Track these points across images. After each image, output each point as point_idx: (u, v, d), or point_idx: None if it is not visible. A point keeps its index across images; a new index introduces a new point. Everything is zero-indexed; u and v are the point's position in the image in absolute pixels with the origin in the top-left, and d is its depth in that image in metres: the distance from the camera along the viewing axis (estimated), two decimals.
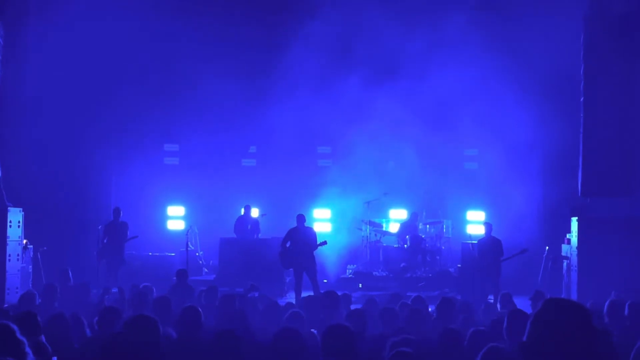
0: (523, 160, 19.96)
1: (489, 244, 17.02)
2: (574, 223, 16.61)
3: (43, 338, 6.71)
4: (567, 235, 17.22)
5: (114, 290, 13.25)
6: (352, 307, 11.00)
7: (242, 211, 20.27)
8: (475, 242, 17.70)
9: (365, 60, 20.02)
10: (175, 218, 22.60)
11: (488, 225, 17.54)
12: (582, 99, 17.11)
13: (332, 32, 19.48)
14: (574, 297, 16.08)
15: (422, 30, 19.20)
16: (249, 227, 20.00)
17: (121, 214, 17.94)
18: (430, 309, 11.02)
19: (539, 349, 3.05)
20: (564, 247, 17.48)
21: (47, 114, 19.69)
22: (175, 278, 13.64)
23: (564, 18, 17.47)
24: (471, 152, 22.22)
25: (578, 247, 16.29)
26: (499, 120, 19.55)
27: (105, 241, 17.71)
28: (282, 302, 11.98)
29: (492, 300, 14.79)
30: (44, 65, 19.24)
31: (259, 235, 19.99)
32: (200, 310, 7.19)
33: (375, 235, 20.80)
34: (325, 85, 19.76)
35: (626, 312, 9.36)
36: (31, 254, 17.36)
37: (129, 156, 21.53)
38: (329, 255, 19.41)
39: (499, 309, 11.84)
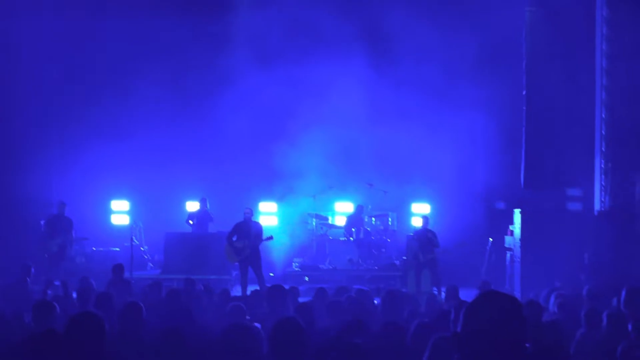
0: (467, 151, 20.15)
1: (425, 236, 17.31)
2: (517, 215, 16.82)
3: None
4: (510, 227, 17.44)
5: (57, 283, 13.05)
6: (300, 299, 11.01)
7: (199, 204, 20.21)
8: (412, 234, 17.97)
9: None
10: (120, 213, 22.31)
11: (425, 217, 17.89)
12: (524, 93, 17.37)
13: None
14: (517, 288, 16.34)
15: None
16: (196, 220, 19.99)
17: (66, 209, 17.71)
18: (375, 302, 11.09)
19: (472, 339, 3.08)
20: (507, 238, 17.71)
21: None
22: (111, 273, 13.42)
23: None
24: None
25: (521, 239, 16.51)
26: (445, 108, 19.74)
27: (47, 235, 17.45)
28: None
29: (435, 292, 14.95)
30: None
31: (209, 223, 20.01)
32: (143, 306, 7.12)
33: (322, 228, 20.82)
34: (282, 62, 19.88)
35: (561, 301, 9.56)
36: None
37: (72, 147, 21.35)
38: (275, 249, 19.42)
39: (442, 301, 11.96)
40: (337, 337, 6.51)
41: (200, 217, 20.09)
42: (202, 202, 20.20)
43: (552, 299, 9.89)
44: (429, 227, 17.75)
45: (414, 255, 17.48)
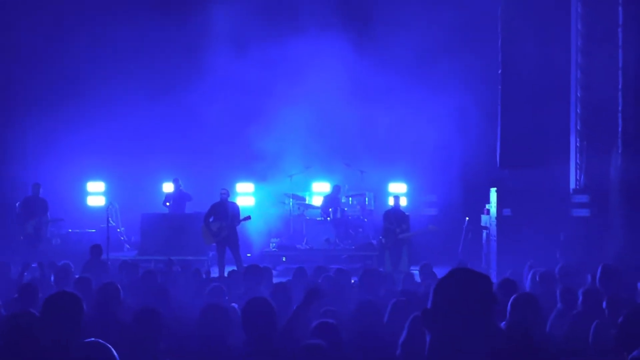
0: (444, 131, 20.17)
1: (399, 215, 17.69)
2: (493, 193, 16.90)
3: None
4: (487, 206, 17.52)
5: (34, 265, 12.97)
6: (275, 280, 11.03)
7: (173, 186, 20.13)
8: (384, 213, 18.14)
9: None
10: (95, 194, 22.22)
11: (396, 197, 18.21)
12: (499, 71, 17.41)
13: None
14: (493, 266, 16.42)
15: None
16: (172, 201, 19.92)
17: (40, 190, 17.60)
18: (353, 281, 11.12)
19: (442, 316, 3.11)
20: (483, 217, 17.80)
21: None
22: (89, 254, 13.38)
23: None
24: None
25: (497, 218, 16.59)
26: (423, 87, 19.76)
27: (22, 217, 17.34)
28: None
29: (412, 271, 15.02)
30: None
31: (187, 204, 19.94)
32: (119, 287, 7.11)
33: (299, 208, 20.82)
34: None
35: (537, 279, 9.65)
36: None
37: (48, 128, 21.25)
38: (252, 230, 19.40)
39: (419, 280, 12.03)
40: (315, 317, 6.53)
41: (176, 197, 20.02)
42: (175, 182, 20.13)
43: (529, 276, 9.98)
44: (400, 207, 18.11)
45: (388, 234, 17.65)
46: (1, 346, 4.97)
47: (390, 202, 19.17)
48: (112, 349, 4.10)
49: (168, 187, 20.91)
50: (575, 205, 16.44)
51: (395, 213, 17.79)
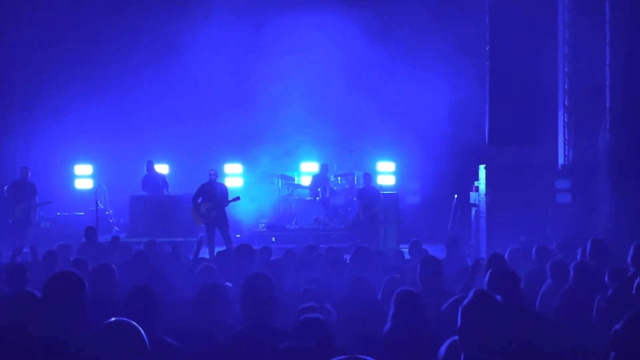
0: (432, 109, 20.16)
1: (368, 196, 17.99)
2: (482, 171, 16.93)
3: None
4: (475, 183, 17.56)
5: (26, 250, 12.94)
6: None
7: (145, 169, 19.96)
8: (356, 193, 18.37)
9: None
10: (83, 177, 22.14)
11: (365, 175, 18.45)
12: (487, 48, 17.39)
13: None
14: (483, 243, 16.49)
15: None
16: (160, 183, 19.79)
17: (29, 174, 17.53)
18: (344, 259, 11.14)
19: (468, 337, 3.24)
20: (472, 194, 17.83)
21: None
22: (84, 237, 13.38)
23: None
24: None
25: (486, 194, 16.63)
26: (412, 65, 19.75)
27: (11, 201, 17.26)
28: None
29: (401, 249, 15.07)
30: None
31: (168, 190, 19.80)
32: (114, 267, 7.10)
33: (287, 188, 20.81)
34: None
35: (533, 255, 9.68)
36: None
37: (35, 112, 21.19)
38: (241, 210, 19.37)
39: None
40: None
41: (158, 180, 19.86)
42: (149, 165, 19.90)
43: (507, 253, 10.02)
44: (370, 185, 18.38)
45: (356, 217, 17.93)
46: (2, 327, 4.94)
47: (391, 181, 19.37)
48: (140, 328, 4.13)
49: (158, 169, 20.67)
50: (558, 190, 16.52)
51: (365, 193, 17.98)
